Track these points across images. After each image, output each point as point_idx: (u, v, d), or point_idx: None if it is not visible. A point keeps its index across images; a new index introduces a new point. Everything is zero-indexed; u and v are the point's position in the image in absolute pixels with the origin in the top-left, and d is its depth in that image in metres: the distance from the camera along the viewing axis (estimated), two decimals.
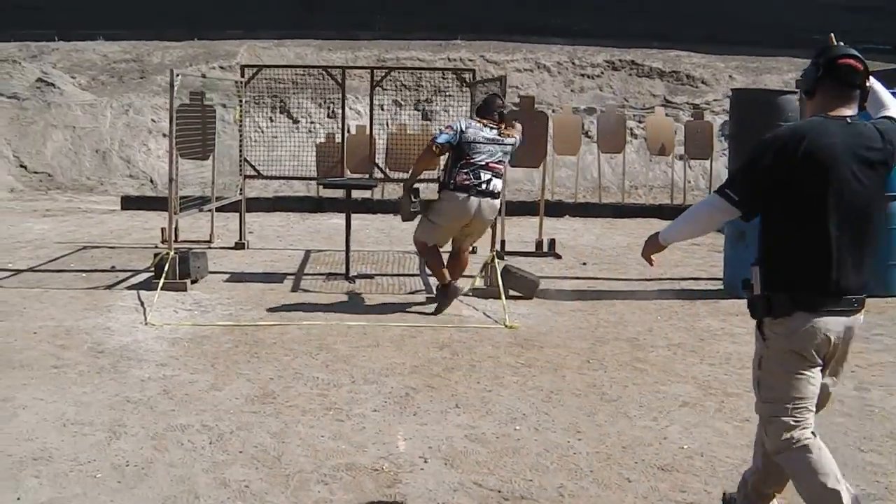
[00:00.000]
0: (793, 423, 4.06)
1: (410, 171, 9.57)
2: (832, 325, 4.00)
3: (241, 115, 12.30)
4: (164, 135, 20.40)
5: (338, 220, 15.10)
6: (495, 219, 9.76)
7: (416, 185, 9.33)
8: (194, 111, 11.92)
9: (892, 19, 25.91)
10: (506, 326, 8.64)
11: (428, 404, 6.36)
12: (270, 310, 9.04)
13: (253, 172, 12.65)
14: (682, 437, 5.89)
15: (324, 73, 19.94)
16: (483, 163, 8.99)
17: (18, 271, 10.66)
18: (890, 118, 4.18)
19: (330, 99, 22.41)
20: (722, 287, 10.61)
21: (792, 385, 4.07)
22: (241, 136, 12.33)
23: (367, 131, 16.10)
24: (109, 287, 9.92)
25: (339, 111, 13.03)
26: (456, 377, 7.03)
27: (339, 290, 10.06)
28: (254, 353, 7.49)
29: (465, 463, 5.34)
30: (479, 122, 9.23)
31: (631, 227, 15.92)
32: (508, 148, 9.25)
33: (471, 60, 24.96)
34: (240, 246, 12.48)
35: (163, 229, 12.51)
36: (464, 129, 9.02)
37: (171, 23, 25.36)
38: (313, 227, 14.71)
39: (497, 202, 9.24)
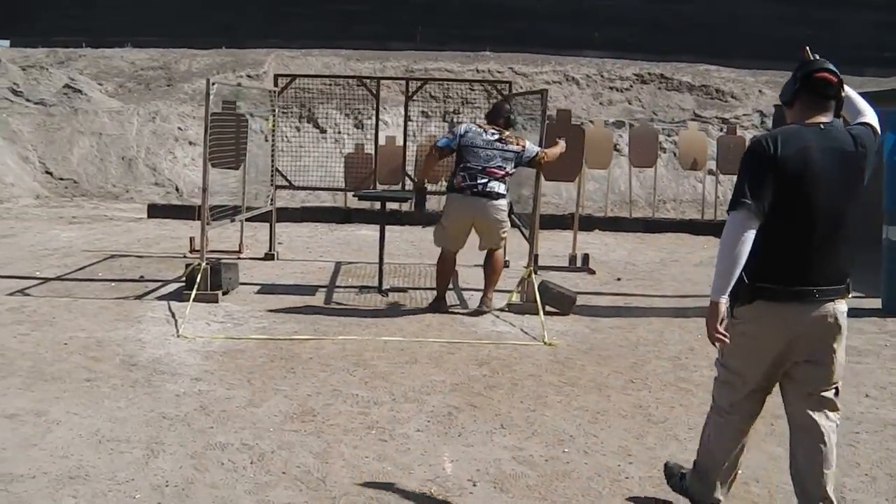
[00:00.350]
0: (735, 393, 4.59)
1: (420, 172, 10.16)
2: (794, 313, 4.31)
3: (273, 125, 12.15)
4: (191, 143, 20.34)
5: (367, 231, 14.96)
6: (530, 232, 9.74)
7: (424, 185, 9.98)
8: (227, 120, 11.76)
9: None
10: (545, 343, 8.46)
11: (472, 424, 6.16)
12: (304, 323, 8.86)
13: (283, 182, 12.50)
14: None
15: (350, 82, 19.89)
16: (479, 167, 9.24)
17: (46, 280, 10.53)
18: (866, 124, 4.51)
19: (357, 109, 22.29)
20: None
21: (748, 363, 4.49)
22: (273, 145, 12.19)
23: (397, 142, 16.01)
24: (139, 297, 9.78)
25: (369, 121, 12.85)
26: (498, 396, 6.83)
27: (372, 304, 9.89)
28: (290, 369, 7.30)
29: (515, 487, 5.15)
30: (481, 126, 9.48)
31: (662, 242, 15.73)
32: (510, 155, 9.37)
33: (499, 72, 24.82)
34: (269, 257, 12.32)
35: (191, 239, 12.38)
36: (463, 133, 9.39)
37: (198, 31, 25.37)
38: (342, 239, 14.54)
39: (499, 202, 9.36)
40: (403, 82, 13.77)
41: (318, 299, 10.06)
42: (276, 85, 12.40)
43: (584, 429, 6.20)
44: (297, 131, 21.16)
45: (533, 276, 9.70)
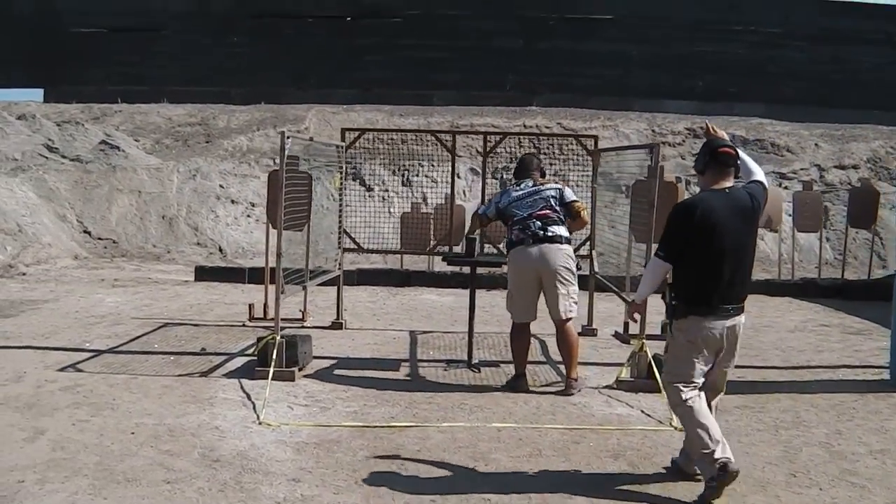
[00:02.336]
0: (682, 388, 5.92)
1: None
2: (715, 325, 5.83)
3: (341, 183, 11.16)
4: (233, 201, 19.46)
5: (430, 295, 14.00)
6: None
7: (474, 237, 9.35)
8: (291, 178, 10.73)
9: None
10: (675, 428, 7.37)
11: None
12: (399, 406, 7.78)
13: (350, 245, 11.51)
14: None
15: (395, 138, 18.97)
16: (526, 214, 8.49)
17: (99, 352, 9.51)
18: (757, 181, 6.06)
19: (404, 166, 21.41)
20: (889, 377, 9.32)
21: (686, 365, 5.93)
22: (340, 204, 11.18)
23: (455, 201, 15.12)
24: (205, 374, 8.71)
25: (417, 179, 11.90)
26: (654, 500, 5.75)
27: (464, 380, 8.80)
28: (400, 465, 6.22)
29: None
30: (514, 185, 8.84)
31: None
32: (549, 193, 8.56)
33: (547, 127, 23.95)
34: (337, 325, 11.25)
35: (250, 306, 11.41)
36: (498, 199, 8.80)
37: (234, 86, 24.69)
38: (407, 304, 13.46)
39: (564, 247, 8.42)
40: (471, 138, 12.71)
41: (402, 375, 8.99)
42: (342, 139, 11.42)
43: None
44: (343, 189, 20.24)
45: (646, 348, 8.64)
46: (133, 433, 6.74)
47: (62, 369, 8.67)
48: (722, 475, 5.68)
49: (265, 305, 11.54)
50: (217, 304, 12.84)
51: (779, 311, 14.01)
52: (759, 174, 6.15)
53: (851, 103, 25.06)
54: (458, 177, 21.85)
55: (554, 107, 25.95)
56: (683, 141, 24.22)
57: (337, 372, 8.97)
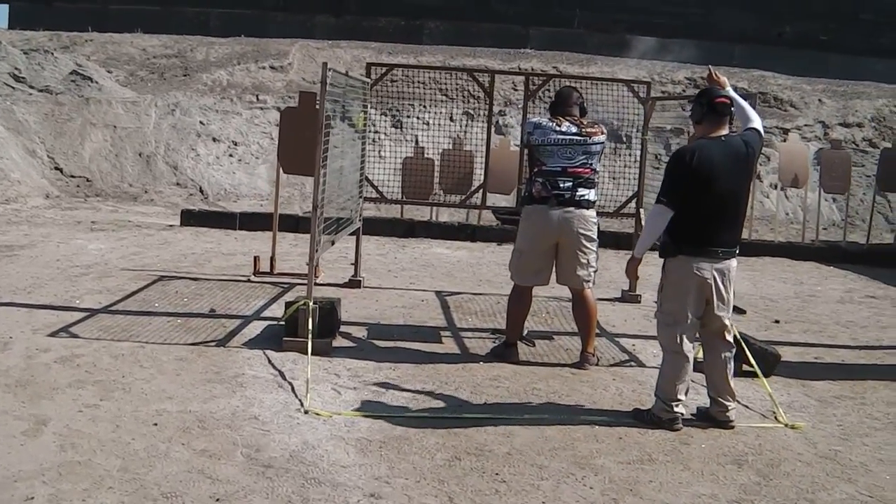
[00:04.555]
0: (676, 330, 6.13)
1: None
2: (704, 266, 6.04)
3: (365, 123, 9.91)
4: (215, 139, 18.17)
5: (442, 250, 12.91)
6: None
7: None
8: (306, 117, 9.50)
9: None
10: (784, 425, 6.30)
11: None
12: (462, 390, 6.61)
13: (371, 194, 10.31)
14: None
15: (386, 77, 17.72)
16: (559, 168, 7.37)
17: (92, 311, 8.24)
18: (753, 129, 6.24)
19: (394, 108, 20.12)
20: None
21: (679, 305, 6.11)
22: (363, 147, 9.94)
23: (464, 147, 14.23)
24: (222, 343, 7.46)
25: (408, 120, 10.72)
26: None
27: (522, 358, 7.60)
28: (493, 474, 5.05)
29: None
30: (553, 119, 7.47)
31: (771, 269, 13.56)
32: (595, 148, 7.48)
33: (542, 71, 22.70)
34: (354, 283, 10.04)
35: (256, 258, 10.23)
36: (531, 130, 7.53)
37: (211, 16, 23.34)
38: (421, 259, 12.26)
39: (588, 213, 7.45)
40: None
41: (449, 349, 7.80)
42: (368, 75, 10.17)
43: None
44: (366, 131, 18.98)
45: (733, 328, 7.51)
46: (156, 424, 5.52)
47: (54, 334, 7.41)
48: (669, 425, 6.08)
49: (272, 258, 10.37)
50: (213, 254, 11.57)
51: (812, 277, 13.04)
52: (755, 121, 6.28)
53: None
54: (451, 120, 20.65)
55: (549, 50, 24.84)
56: (684, 90, 23.10)
57: (373, 343, 7.78)
